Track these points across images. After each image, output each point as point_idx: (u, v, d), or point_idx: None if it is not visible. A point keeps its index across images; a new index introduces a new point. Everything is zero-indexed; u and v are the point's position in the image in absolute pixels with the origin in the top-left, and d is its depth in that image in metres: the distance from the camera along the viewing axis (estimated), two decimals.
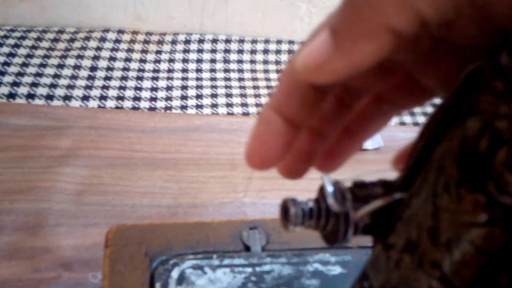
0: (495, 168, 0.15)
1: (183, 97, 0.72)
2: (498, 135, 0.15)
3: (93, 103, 0.68)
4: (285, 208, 0.26)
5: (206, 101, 0.72)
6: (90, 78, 0.72)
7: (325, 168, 0.28)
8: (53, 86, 0.69)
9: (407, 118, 0.75)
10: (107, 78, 0.72)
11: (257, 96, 0.75)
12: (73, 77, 0.71)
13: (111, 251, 0.39)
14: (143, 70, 0.75)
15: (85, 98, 0.69)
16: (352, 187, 0.25)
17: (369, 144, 0.65)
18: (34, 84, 0.69)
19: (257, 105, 0.74)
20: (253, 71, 0.79)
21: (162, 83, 0.74)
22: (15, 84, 0.68)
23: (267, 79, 0.79)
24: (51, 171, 0.57)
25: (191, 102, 0.72)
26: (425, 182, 0.19)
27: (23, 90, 0.68)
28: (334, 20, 0.18)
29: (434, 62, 0.21)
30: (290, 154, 0.25)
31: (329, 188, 0.25)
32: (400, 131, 0.70)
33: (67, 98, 0.68)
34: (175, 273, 0.38)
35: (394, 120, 0.70)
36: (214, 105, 0.71)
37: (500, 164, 0.15)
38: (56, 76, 0.71)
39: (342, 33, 0.18)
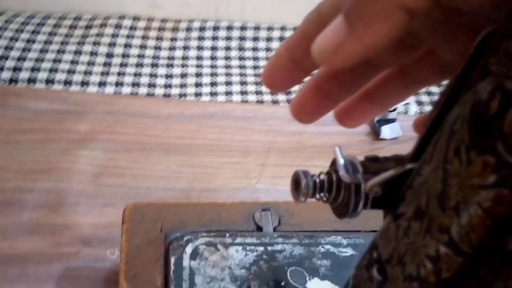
0: (505, 129, 0.16)
1: (198, 84, 0.73)
2: (508, 95, 0.15)
3: (109, 89, 0.70)
4: (296, 180, 0.27)
5: (221, 88, 0.73)
6: (107, 64, 0.73)
7: (340, 119, 0.28)
8: (71, 71, 0.71)
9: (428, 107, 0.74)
10: (122, 65, 0.74)
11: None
12: (90, 63, 0.73)
13: (128, 226, 0.41)
14: (158, 57, 0.76)
15: (102, 84, 0.70)
16: (364, 160, 0.26)
17: (386, 133, 0.65)
18: (52, 70, 0.70)
19: (272, 93, 0.74)
20: (268, 59, 0.79)
21: (176, 70, 0.75)
22: (34, 69, 0.70)
23: None
24: (70, 154, 0.58)
25: (206, 89, 0.73)
26: (436, 149, 0.20)
27: (42, 75, 0.69)
28: (348, 3, 0.18)
29: (450, 35, 0.21)
30: (305, 91, 0.26)
31: (341, 160, 0.25)
32: None
33: (84, 83, 0.70)
34: (189, 249, 0.40)
35: (414, 109, 0.70)
36: (229, 93, 0.72)
37: (509, 124, 0.15)
38: (74, 62, 0.72)
39: (355, 15, 0.18)
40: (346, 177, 0.25)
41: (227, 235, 0.41)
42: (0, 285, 0.44)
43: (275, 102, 0.71)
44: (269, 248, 0.41)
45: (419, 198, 0.22)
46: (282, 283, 0.39)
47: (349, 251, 0.42)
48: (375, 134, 0.67)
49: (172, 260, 0.39)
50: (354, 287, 0.28)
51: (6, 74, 0.68)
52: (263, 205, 0.45)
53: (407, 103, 0.70)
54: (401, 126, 0.66)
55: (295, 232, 0.43)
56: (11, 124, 0.60)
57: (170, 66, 0.75)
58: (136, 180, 0.57)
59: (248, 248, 0.41)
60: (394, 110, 0.64)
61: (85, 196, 0.54)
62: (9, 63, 0.70)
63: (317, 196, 0.27)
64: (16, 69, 0.69)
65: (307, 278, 0.39)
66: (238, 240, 0.41)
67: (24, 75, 0.69)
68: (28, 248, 0.48)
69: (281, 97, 0.72)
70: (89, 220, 0.52)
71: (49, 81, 0.69)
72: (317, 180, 0.26)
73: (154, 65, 0.75)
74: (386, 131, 0.65)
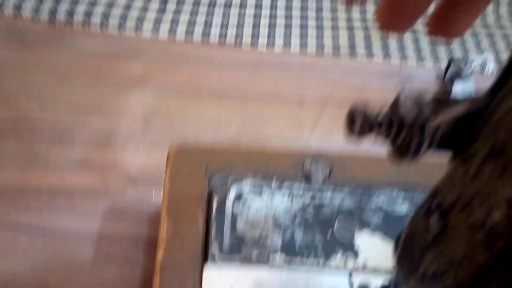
0: None
1: (254, 35, 0.70)
2: None
3: (163, 34, 0.69)
4: (351, 114, 0.24)
5: (278, 40, 0.70)
6: (160, 10, 0.72)
7: (433, 29, 0.24)
8: (124, 16, 0.70)
9: None
10: (177, 12, 0.72)
11: (334, 37, 0.72)
12: (144, 8, 0.72)
13: (172, 167, 0.39)
14: (213, 5, 0.74)
15: (156, 29, 0.69)
16: (432, 98, 0.23)
17: (458, 91, 0.60)
18: (107, 13, 0.70)
19: (334, 47, 0.71)
20: (333, 10, 0.75)
21: (232, 20, 0.72)
22: (89, 12, 0.70)
23: (348, 20, 0.75)
24: (122, 95, 0.58)
25: (262, 40, 0.71)
26: None
27: (97, 18, 0.69)
28: None
29: None
30: None
31: (406, 95, 0.23)
32: None
33: (138, 28, 0.69)
34: (232, 193, 0.38)
35: (492, 67, 0.64)
36: (287, 44, 0.69)
37: None
38: (128, 6, 0.71)
39: None
40: (410, 113, 0.22)
41: (274, 181, 0.39)
42: (47, 216, 0.45)
43: (335, 53, 0.68)
44: (317, 198, 0.39)
45: (495, 137, 0.18)
46: (329, 234, 0.36)
47: (405, 207, 0.39)
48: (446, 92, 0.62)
49: (215, 203, 0.37)
50: (408, 238, 0.26)
51: (61, 16, 0.69)
52: (314, 154, 0.42)
53: (485, 61, 0.64)
54: (475, 86, 0.61)
55: (347, 184, 0.40)
56: (66, 65, 0.60)
57: (225, 14, 0.73)
58: (185, 125, 0.56)
59: (295, 196, 0.39)
60: (470, 66, 0.59)
61: (133, 137, 0.54)
62: (63, 6, 0.70)
63: (374, 134, 0.24)
64: (71, 11, 0.69)
65: (356, 230, 0.37)
66: (285, 187, 0.39)
67: (79, 17, 0.69)
68: (76, 182, 0.48)
69: (342, 49, 0.69)
70: (136, 160, 0.51)
71: (104, 24, 0.68)
72: (375, 116, 0.23)
73: (209, 14, 0.73)
74: (458, 88, 0.59)
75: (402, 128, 0.23)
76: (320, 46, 0.70)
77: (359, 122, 0.23)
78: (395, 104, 0.24)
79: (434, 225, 0.23)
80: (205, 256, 0.34)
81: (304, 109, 0.61)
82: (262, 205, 0.38)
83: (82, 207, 0.46)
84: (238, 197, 0.38)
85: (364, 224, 0.37)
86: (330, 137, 0.58)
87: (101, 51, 0.63)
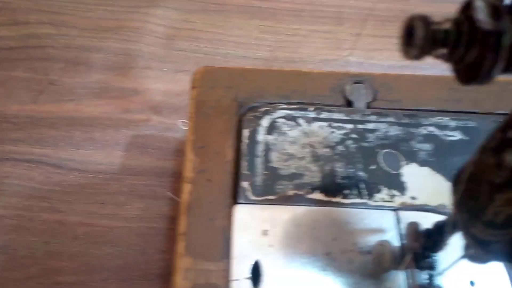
0: None
1: None
2: None
3: None
4: (409, 27, 0.19)
5: None
6: None
7: None
8: None
9: None
10: None
11: None
12: None
13: (198, 92, 0.36)
14: None
15: None
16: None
17: None
18: None
19: None
20: None
21: None
22: None
23: None
24: (141, 12, 0.53)
25: None
26: None
27: None
28: None
29: None
30: None
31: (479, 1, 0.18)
32: None
33: None
34: (265, 121, 0.34)
35: None
36: None
37: None
38: None
39: None
40: (486, 23, 0.17)
41: (311, 108, 0.35)
42: (66, 149, 0.43)
43: None
44: (359, 126, 0.35)
45: None
46: (372, 167, 0.33)
47: (457, 135, 0.35)
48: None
49: (246, 133, 0.33)
50: (473, 176, 0.21)
51: None
52: (356, 77, 0.37)
53: None
54: None
55: (393, 110, 0.36)
56: None
57: None
58: (212, 45, 0.51)
59: (334, 124, 0.34)
60: None
61: (156, 60, 0.49)
62: None
63: (437, 51, 0.19)
64: None
65: (403, 162, 0.33)
66: (324, 115, 0.35)
67: None
68: (96, 111, 0.45)
69: None
70: (160, 86, 0.47)
71: None
72: (440, 29, 0.19)
73: None
74: None
75: (473, 42, 0.18)
76: None
77: (420, 35, 0.18)
78: (466, 10, 0.19)
79: (508, 162, 0.19)
80: (235, 196, 0.31)
81: (343, 26, 0.55)
82: (299, 135, 0.34)
83: (102, 139, 0.43)
84: (272, 127, 0.34)
85: (412, 156, 0.33)
86: (372, 57, 0.53)
87: None
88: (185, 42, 0.51)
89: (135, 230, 0.39)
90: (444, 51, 0.19)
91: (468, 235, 0.22)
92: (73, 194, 0.40)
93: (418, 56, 0.19)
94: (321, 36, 0.55)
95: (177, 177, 0.42)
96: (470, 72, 0.19)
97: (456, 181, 0.23)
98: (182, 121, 0.45)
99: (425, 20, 0.19)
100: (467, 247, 0.23)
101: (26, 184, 0.40)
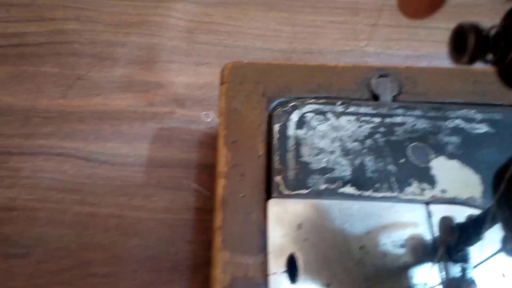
0: None
1: None
2: None
3: None
4: (460, 35, 0.20)
5: None
6: None
7: None
8: None
9: None
10: None
11: None
12: None
13: (227, 88, 0.36)
14: None
15: None
16: None
17: None
18: None
19: None
20: None
21: None
22: None
23: None
24: (163, 6, 0.53)
25: None
26: None
27: None
28: None
29: None
30: None
31: None
32: None
33: None
34: (295, 116, 0.35)
35: None
36: None
37: None
38: None
39: None
40: None
41: (339, 102, 0.36)
42: (95, 142, 0.43)
43: None
44: (387, 119, 0.35)
45: None
46: (401, 160, 0.33)
47: (483, 128, 0.35)
48: None
49: (276, 127, 0.34)
50: None
51: None
52: (381, 70, 0.38)
53: None
54: None
55: (419, 103, 0.36)
56: None
57: None
58: (232, 38, 0.52)
59: (362, 118, 0.35)
60: None
61: (178, 53, 0.50)
62: None
63: (487, 57, 0.20)
64: None
65: (432, 156, 0.34)
66: (351, 109, 0.35)
67: None
68: (122, 105, 0.46)
69: None
70: (182, 79, 0.48)
71: None
72: (490, 36, 0.19)
73: None
74: None
75: None
76: None
77: (472, 42, 0.19)
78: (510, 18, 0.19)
79: None
80: (268, 190, 0.32)
81: (359, 16, 0.56)
82: (328, 130, 0.34)
83: (129, 132, 0.44)
84: (301, 121, 0.34)
85: (440, 149, 0.34)
86: (389, 47, 0.53)
87: None
88: (205, 36, 0.51)
89: (163, 221, 0.40)
90: (495, 55, 0.20)
91: (509, 231, 0.22)
92: (103, 187, 0.41)
93: (469, 62, 0.20)
94: (337, 27, 0.55)
95: (201, 168, 0.43)
96: None
97: (497, 178, 0.23)
98: (205, 114, 0.46)
99: (475, 27, 0.19)
100: (506, 241, 0.23)
101: (59, 177, 0.41)
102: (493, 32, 0.20)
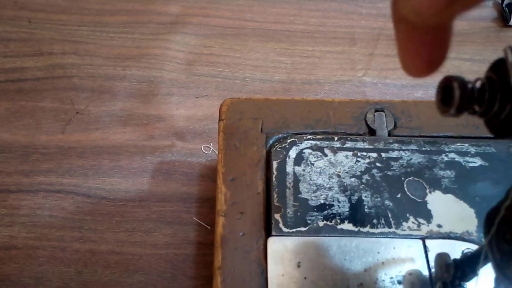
0: None
1: None
2: None
3: None
4: (446, 88, 0.20)
5: None
6: None
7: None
8: None
9: None
10: None
11: None
12: None
13: (226, 124, 0.37)
14: None
15: None
16: None
17: None
18: None
19: None
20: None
21: None
22: None
23: None
24: (161, 38, 0.54)
25: None
26: None
27: None
28: None
29: None
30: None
31: None
32: None
33: None
34: (293, 153, 0.35)
35: None
36: None
37: None
38: None
39: None
40: None
41: (336, 138, 0.36)
42: (94, 178, 0.44)
43: None
44: (383, 154, 0.36)
45: None
46: (398, 195, 0.34)
47: (477, 161, 0.36)
48: (504, 19, 0.57)
49: (275, 164, 0.34)
50: (506, 220, 0.22)
51: None
52: (376, 104, 0.39)
53: None
54: None
55: (414, 137, 0.37)
56: (98, 4, 0.57)
57: None
58: (231, 69, 0.53)
59: (359, 154, 0.36)
60: None
61: (177, 86, 0.50)
62: None
63: (473, 108, 0.20)
64: None
65: (427, 190, 0.34)
66: (348, 144, 0.36)
67: None
68: (122, 139, 0.46)
69: None
70: (182, 112, 0.48)
71: None
72: (475, 88, 0.20)
73: None
74: None
75: (507, 99, 0.19)
76: None
77: (458, 95, 0.20)
78: (497, 68, 0.20)
79: None
80: (267, 228, 0.32)
81: (356, 46, 0.57)
82: (326, 166, 0.35)
83: (129, 166, 0.45)
84: (299, 158, 0.35)
85: (435, 183, 0.34)
86: (385, 77, 0.54)
87: None
88: (204, 67, 0.52)
89: (164, 256, 0.40)
90: (481, 107, 0.20)
91: (500, 273, 0.23)
92: (103, 223, 0.41)
93: (456, 114, 0.20)
94: (335, 57, 0.56)
95: (202, 202, 0.43)
96: (505, 127, 0.20)
97: (488, 221, 0.24)
98: (205, 146, 0.46)
99: (461, 80, 0.20)
100: (498, 282, 0.24)
101: (58, 214, 0.41)
102: (478, 84, 0.20)
